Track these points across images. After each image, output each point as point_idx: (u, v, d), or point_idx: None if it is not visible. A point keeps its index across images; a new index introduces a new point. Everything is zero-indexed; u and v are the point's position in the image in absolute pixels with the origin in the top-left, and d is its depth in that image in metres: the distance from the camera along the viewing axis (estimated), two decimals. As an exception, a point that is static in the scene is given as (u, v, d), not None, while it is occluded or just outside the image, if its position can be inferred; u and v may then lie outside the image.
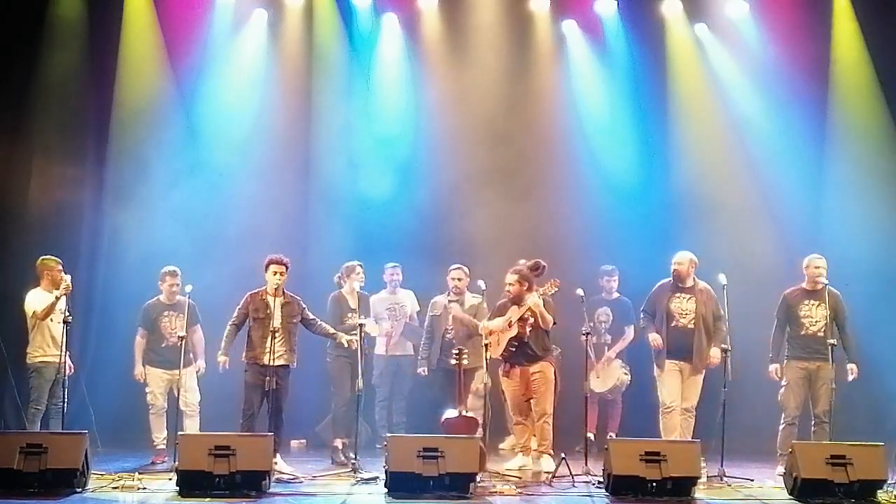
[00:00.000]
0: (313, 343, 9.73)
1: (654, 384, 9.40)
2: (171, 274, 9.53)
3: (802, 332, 9.22)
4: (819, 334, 9.15)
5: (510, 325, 9.06)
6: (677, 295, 9.37)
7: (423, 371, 10.00)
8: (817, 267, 9.21)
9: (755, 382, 9.61)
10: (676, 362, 9.28)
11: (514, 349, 9.08)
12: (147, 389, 9.55)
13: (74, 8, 10.89)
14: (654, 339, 9.33)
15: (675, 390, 9.25)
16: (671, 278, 9.41)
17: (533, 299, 8.95)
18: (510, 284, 9.09)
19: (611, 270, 10.63)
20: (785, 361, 9.27)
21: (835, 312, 9.09)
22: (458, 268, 9.96)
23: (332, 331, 9.17)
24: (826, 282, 9.03)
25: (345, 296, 9.77)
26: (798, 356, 9.22)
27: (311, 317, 9.06)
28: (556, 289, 9.03)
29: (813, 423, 9.19)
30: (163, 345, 9.48)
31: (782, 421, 9.24)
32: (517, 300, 9.08)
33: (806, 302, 9.25)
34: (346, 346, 9.04)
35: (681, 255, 9.42)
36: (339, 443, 9.70)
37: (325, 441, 10.10)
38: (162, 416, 9.46)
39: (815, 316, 9.22)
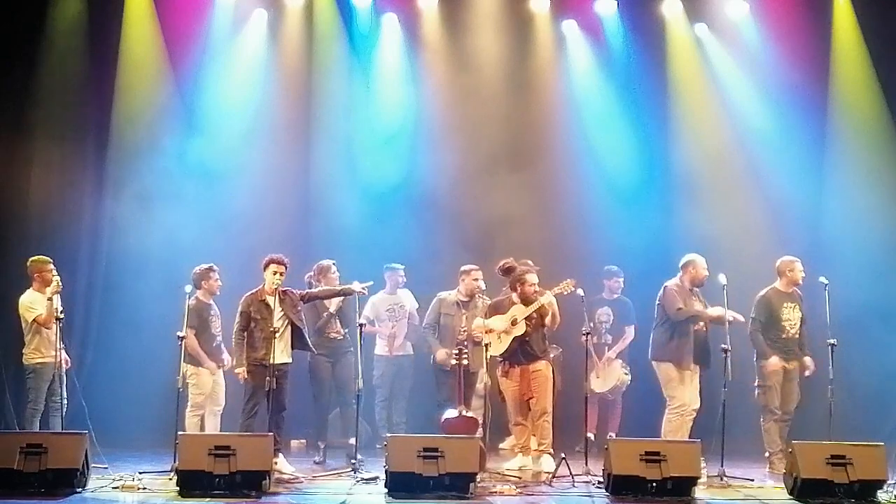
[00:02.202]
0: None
1: (655, 384, 9.37)
2: (214, 269, 9.44)
3: (784, 336, 9.42)
4: (796, 336, 9.43)
5: (515, 323, 9.06)
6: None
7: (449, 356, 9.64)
8: (801, 271, 9.42)
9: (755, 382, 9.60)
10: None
11: (516, 348, 9.09)
12: (196, 392, 9.37)
13: (75, 8, 10.89)
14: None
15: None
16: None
17: (548, 298, 8.95)
18: (536, 284, 9.09)
19: (616, 271, 10.62)
20: (764, 362, 9.39)
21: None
22: (478, 269, 9.89)
23: (338, 288, 9.17)
24: (826, 282, 9.04)
25: None
26: (779, 357, 9.37)
27: (308, 291, 9.03)
28: (573, 289, 9.01)
29: (780, 419, 9.36)
30: (213, 344, 9.42)
31: (769, 419, 9.35)
32: (528, 299, 9.08)
33: (786, 304, 9.45)
34: (361, 293, 9.00)
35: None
36: (321, 444, 9.76)
37: (331, 442, 10.06)
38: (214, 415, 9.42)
39: (793, 318, 9.44)
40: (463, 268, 9.96)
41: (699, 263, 9.27)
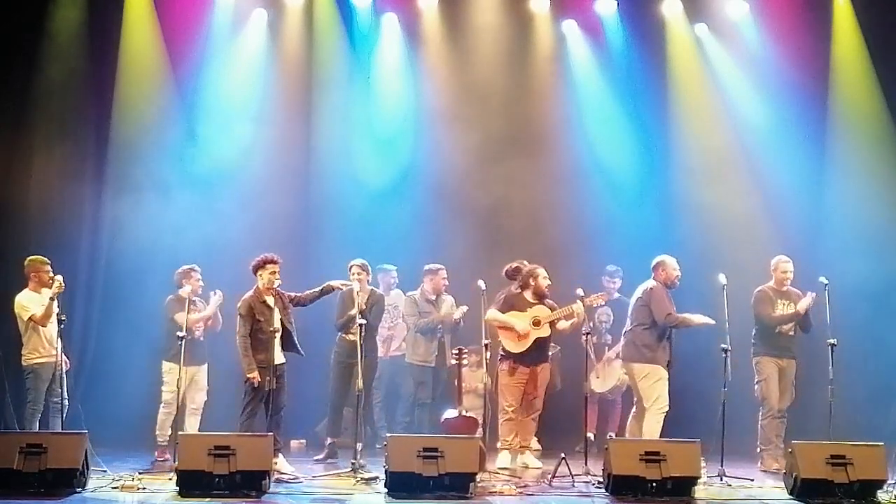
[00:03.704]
0: (314, 343, 9.73)
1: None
2: (196, 270, 9.54)
3: (777, 331, 9.46)
4: (790, 333, 9.50)
5: (538, 324, 9.12)
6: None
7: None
8: (784, 272, 9.50)
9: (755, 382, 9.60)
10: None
11: (533, 349, 9.15)
12: (166, 388, 9.49)
13: (75, 8, 10.88)
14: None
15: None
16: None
17: (580, 308, 9.03)
18: (548, 278, 9.28)
19: (612, 271, 10.62)
20: (759, 358, 9.44)
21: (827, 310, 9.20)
22: (443, 268, 10.15)
23: (317, 290, 9.02)
24: (826, 281, 9.02)
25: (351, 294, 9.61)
26: (772, 353, 9.46)
27: (296, 294, 8.97)
28: (603, 303, 9.30)
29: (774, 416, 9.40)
30: (190, 338, 9.40)
31: (765, 415, 9.39)
32: (543, 293, 9.19)
33: (780, 301, 9.49)
34: (339, 288, 9.03)
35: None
36: (329, 440, 9.77)
37: (324, 441, 10.07)
38: (173, 413, 9.49)
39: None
40: (430, 266, 10.18)
41: (670, 264, 9.25)
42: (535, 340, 9.11)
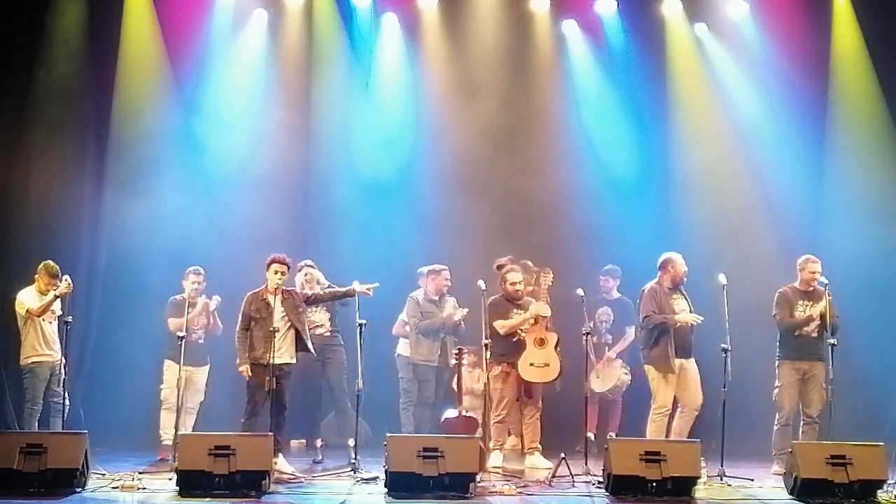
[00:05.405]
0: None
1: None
2: (196, 272, 9.56)
3: (797, 333, 9.21)
4: (813, 335, 9.17)
5: (542, 343, 9.27)
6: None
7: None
8: (812, 272, 9.19)
9: (755, 382, 9.60)
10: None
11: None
12: (164, 385, 9.55)
13: (75, 8, 10.88)
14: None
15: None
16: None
17: (539, 309, 9.23)
18: (518, 283, 9.32)
19: (607, 270, 10.62)
20: (778, 362, 9.28)
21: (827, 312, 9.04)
22: (447, 269, 10.09)
23: (340, 291, 9.07)
24: (826, 281, 8.99)
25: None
26: (792, 357, 9.22)
27: (313, 293, 9.04)
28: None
29: (803, 422, 9.21)
30: (189, 338, 9.44)
31: (777, 421, 9.26)
32: (514, 297, 9.30)
33: (801, 302, 9.24)
34: (364, 293, 8.87)
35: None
36: (318, 443, 9.84)
37: (326, 440, 10.07)
38: (174, 412, 9.50)
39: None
40: (434, 267, 10.15)
41: (677, 261, 9.19)
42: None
